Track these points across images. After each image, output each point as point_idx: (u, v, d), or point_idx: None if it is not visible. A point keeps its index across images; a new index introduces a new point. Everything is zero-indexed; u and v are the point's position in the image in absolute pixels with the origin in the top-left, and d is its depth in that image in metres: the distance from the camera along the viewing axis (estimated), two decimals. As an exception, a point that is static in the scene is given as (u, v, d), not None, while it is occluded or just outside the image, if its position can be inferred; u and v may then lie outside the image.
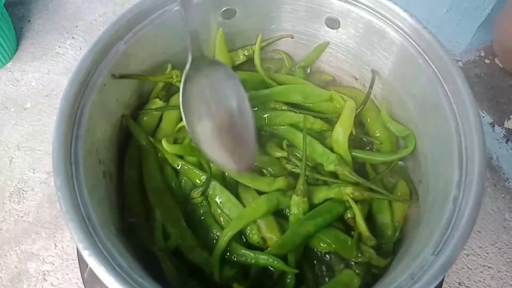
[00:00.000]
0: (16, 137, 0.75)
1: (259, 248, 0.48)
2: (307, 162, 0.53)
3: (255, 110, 0.56)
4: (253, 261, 0.46)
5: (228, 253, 0.47)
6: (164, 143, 0.50)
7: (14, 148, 0.74)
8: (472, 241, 0.68)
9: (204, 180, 0.50)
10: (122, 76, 0.49)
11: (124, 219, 0.48)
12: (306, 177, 0.50)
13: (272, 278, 0.47)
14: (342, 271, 0.47)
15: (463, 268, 0.66)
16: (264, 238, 0.48)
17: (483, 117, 0.78)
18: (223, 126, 0.45)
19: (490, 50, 0.86)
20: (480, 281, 0.65)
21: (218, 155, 0.45)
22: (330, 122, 0.57)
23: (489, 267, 0.66)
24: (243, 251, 0.47)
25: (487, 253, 0.67)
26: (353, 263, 0.48)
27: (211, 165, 0.51)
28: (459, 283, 0.65)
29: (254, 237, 0.48)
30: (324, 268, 0.49)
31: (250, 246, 0.49)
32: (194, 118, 0.45)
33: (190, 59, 0.45)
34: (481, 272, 0.66)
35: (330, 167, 0.51)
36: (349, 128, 0.53)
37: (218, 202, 0.50)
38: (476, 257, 0.67)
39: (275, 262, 0.45)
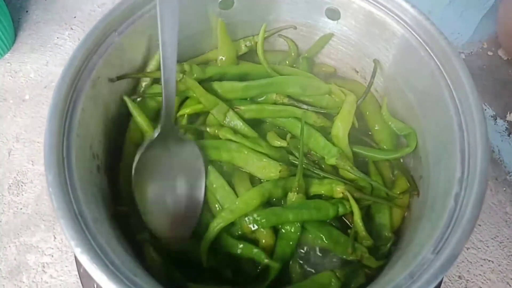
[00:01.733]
0: (15, 129, 0.75)
1: (247, 237, 0.49)
2: (309, 155, 0.53)
3: (258, 101, 0.56)
4: (239, 252, 0.47)
5: (216, 242, 0.48)
6: None
7: (13, 140, 0.74)
8: (473, 235, 0.67)
9: None
10: (119, 78, 0.49)
11: (116, 209, 0.47)
12: (304, 169, 0.50)
13: (257, 269, 0.47)
14: (322, 272, 0.46)
15: (463, 261, 0.66)
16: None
17: (485, 110, 0.78)
18: (171, 199, 0.48)
19: (493, 42, 0.85)
20: (480, 274, 0.65)
21: (156, 219, 0.47)
22: (331, 117, 0.56)
23: (489, 261, 0.66)
24: (231, 241, 0.47)
25: (488, 246, 0.67)
26: (343, 261, 0.47)
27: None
28: (459, 277, 0.65)
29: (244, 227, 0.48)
30: (315, 263, 0.49)
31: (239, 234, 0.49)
32: (144, 180, 0.47)
33: (159, 126, 0.46)
34: (481, 265, 0.66)
35: (332, 161, 0.51)
36: (349, 123, 0.53)
37: (212, 188, 0.50)
38: (476, 251, 0.67)
39: (262, 255, 0.46)
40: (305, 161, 0.52)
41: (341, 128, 0.53)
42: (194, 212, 0.49)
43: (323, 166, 0.53)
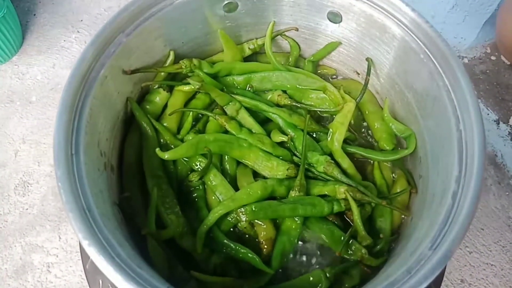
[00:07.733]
0: (22, 130, 0.76)
1: (245, 233, 0.50)
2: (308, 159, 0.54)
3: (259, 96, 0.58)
4: (233, 252, 0.47)
5: (213, 241, 0.48)
6: (158, 152, 0.50)
7: (19, 141, 0.75)
8: (475, 239, 0.67)
9: (203, 165, 0.51)
10: (133, 72, 0.49)
11: (120, 196, 0.48)
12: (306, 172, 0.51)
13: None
14: (313, 271, 0.47)
15: (465, 265, 0.65)
16: (252, 224, 0.49)
17: (488, 114, 0.78)
18: None
19: (496, 47, 0.85)
20: (482, 278, 0.65)
21: None
22: (321, 119, 0.58)
23: (492, 265, 0.66)
24: (225, 241, 0.48)
25: (490, 250, 0.67)
26: (342, 260, 0.48)
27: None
28: (461, 280, 0.64)
29: (242, 222, 0.48)
30: (313, 260, 0.50)
31: (236, 229, 0.50)
32: None
33: None
34: (484, 269, 0.65)
35: (320, 168, 0.52)
36: (344, 131, 0.54)
37: (212, 185, 0.51)
38: (479, 255, 0.66)
39: (254, 258, 0.46)
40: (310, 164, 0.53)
41: (337, 139, 0.53)
42: None
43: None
